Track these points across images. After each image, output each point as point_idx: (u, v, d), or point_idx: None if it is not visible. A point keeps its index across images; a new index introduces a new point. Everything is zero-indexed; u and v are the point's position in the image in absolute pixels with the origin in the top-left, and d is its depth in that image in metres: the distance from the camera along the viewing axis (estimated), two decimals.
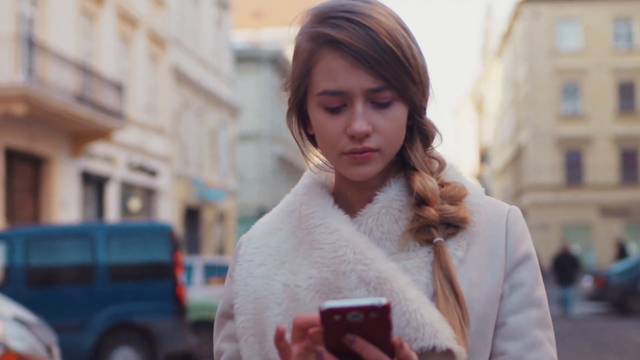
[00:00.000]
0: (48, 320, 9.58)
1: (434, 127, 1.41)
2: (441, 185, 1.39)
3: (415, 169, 1.38)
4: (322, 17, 1.34)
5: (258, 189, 44.06)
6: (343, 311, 1.13)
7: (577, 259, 23.68)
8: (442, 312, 1.29)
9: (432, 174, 1.39)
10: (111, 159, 25.10)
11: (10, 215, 19.47)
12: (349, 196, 1.41)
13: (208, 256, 28.93)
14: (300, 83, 1.36)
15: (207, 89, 35.04)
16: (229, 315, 1.45)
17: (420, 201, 1.35)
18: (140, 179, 27.63)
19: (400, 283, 1.30)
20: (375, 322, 1.13)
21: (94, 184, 24.52)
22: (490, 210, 1.39)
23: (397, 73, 1.31)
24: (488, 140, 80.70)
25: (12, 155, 19.85)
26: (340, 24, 1.31)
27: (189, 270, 16.95)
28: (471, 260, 1.35)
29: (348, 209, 1.40)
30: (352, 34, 1.30)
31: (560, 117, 50.00)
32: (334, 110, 1.32)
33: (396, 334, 1.22)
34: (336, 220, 1.36)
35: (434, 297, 1.31)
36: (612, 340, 16.48)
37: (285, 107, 1.44)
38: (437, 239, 1.33)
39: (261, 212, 37.15)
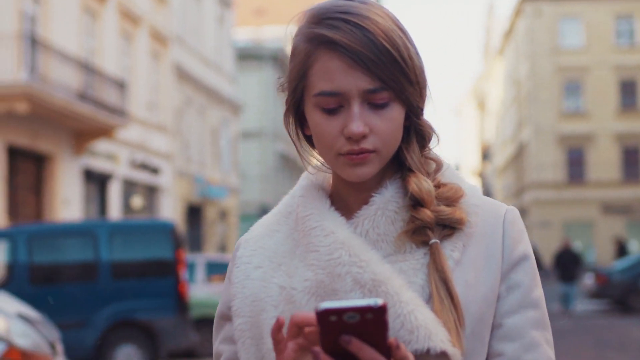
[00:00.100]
0: (51, 318, 9.62)
1: (431, 128, 1.40)
2: (438, 186, 1.38)
3: (411, 170, 1.37)
4: (319, 18, 1.33)
5: (260, 187, 44.08)
6: (339, 312, 1.12)
7: (579, 255, 23.71)
8: (438, 314, 1.29)
9: (428, 175, 1.39)
10: (113, 157, 25.14)
11: (12, 213, 19.51)
12: (346, 197, 1.40)
13: (210, 254, 28.96)
14: (297, 84, 1.36)
15: (209, 86, 35.06)
16: (227, 317, 1.45)
17: (416, 202, 1.35)
18: (143, 176, 27.66)
19: (395, 285, 1.29)
20: (372, 323, 1.13)
21: (97, 181, 24.56)
22: (487, 211, 1.39)
23: (394, 74, 1.30)
24: (490, 138, 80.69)
25: (15, 153, 19.88)
26: (337, 24, 1.31)
27: (191, 267, 16.98)
28: (468, 261, 1.34)
29: (345, 211, 1.39)
30: (348, 34, 1.29)
31: (562, 115, 49.99)
32: (331, 111, 1.32)
33: (391, 337, 1.21)
34: (332, 222, 1.36)
35: (429, 299, 1.30)
36: (613, 337, 16.50)
37: None
38: (432, 241, 1.33)
39: (263, 210, 37.10)
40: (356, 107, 1.30)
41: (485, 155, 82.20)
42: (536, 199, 50.16)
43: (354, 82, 1.29)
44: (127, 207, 26.63)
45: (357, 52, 1.29)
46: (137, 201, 27.45)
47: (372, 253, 1.32)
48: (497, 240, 1.36)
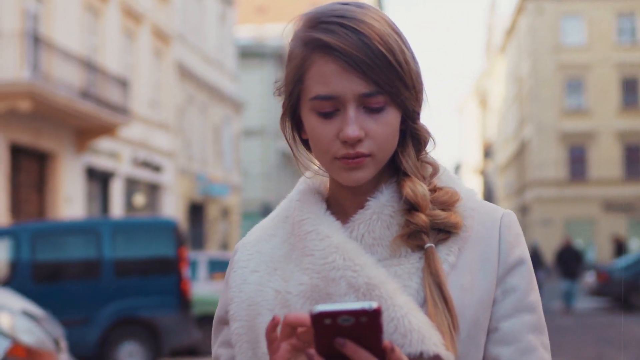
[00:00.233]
0: (54, 315, 9.67)
1: (427, 132, 1.40)
2: (433, 190, 1.37)
3: (407, 174, 1.37)
4: (315, 22, 1.33)
5: (262, 185, 44.12)
6: (334, 315, 1.12)
7: (580, 253, 23.76)
8: (432, 317, 1.28)
9: (424, 179, 1.38)
10: (116, 155, 25.19)
11: (15, 210, 19.56)
12: (342, 202, 1.40)
13: (212, 251, 29.01)
14: (294, 88, 1.36)
15: (211, 84, 35.09)
16: (225, 321, 1.45)
17: (411, 207, 1.34)
18: (145, 174, 27.70)
19: (389, 289, 1.29)
20: (366, 326, 1.13)
21: (99, 179, 24.61)
22: (483, 215, 1.38)
23: (390, 78, 1.30)
24: (492, 136, 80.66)
25: (18, 151, 19.93)
26: (333, 28, 1.30)
27: (193, 265, 17.03)
28: (463, 265, 1.34)
29: (341, 215, 1.39)
30: (344, 38, 1.29)
31: (564, 113, 49.98)
32: (326, 115, 1.32)
33: (385, 340, 1.20)
34: (327, 226, 1.36)
35: (424, 303, 1.30)
36: (614, 335, 16.51)
37: None
38: (427, 245, 1.33)
39: (265, 208, 37.03)
40: (352, 111, 1.30)
41: (487, 153, 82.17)
42: (538, 197, 50.17)
43: (350, 86, 1.29)
44: (129, 205, 26.67)
45: (352, 56, 1.29)
46: (139, 199, 27.50)
47: (366, 257, 1.33)
48: (493, 244, 1.36)
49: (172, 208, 29.39)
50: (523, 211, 55.17)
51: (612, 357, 13.31)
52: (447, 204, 1.36)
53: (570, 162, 49.79)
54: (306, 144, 1.42)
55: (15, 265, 12.30)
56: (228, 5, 38.69)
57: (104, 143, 23.99)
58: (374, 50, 1.29)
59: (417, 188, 1.34)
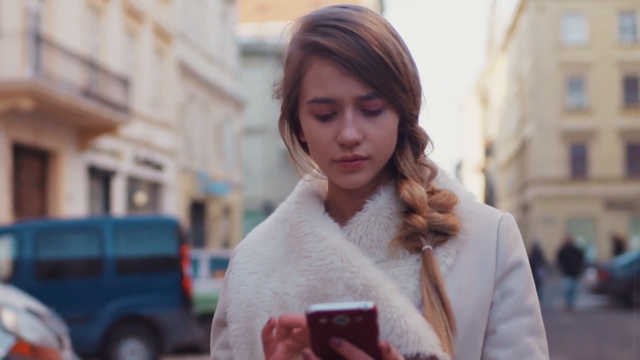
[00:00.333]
0: (56, 313, 9.70)
1: (425, 135, 1.40)
2: (432, 192, 1.38)
3: (404, 177, 1.37)
4: (312, 25, 1.33)
5: (263, 183, 44.16)
6: (329, 315, 1.12)
7: (582, 251, 23.78)
8: (429, 319, 1.29)
9: (422, 181, 1.39)
10: (117, 153, 25.23)
11: (17, 209, 19.61)
12: (341, 204, 1.41)
13: (214, 249, 29.05)
14: (292, 91, 1.37)
15: (212, 83, 35.12)
16: (223, 323, 1.46)
17: (409, 209, 1.35)
18: (146, 172, 27.75)
19: (386, 290, 1.29)
20: (362, 326, 1.13)
21: (101, 178, 24.66)
22: (482, 218, 1.38)
23: (387, 81, 1.30)
24: (493, 134, 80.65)
25: (20, 150, 19.97)
26: (330, 32, 1.31)
27: (194, 263, 17.06)
28: (461, 267, 1.34)
29: (339, 217, 1.40)
30: (341, 42, 1.29)
31: (565, 111, 49.98)
32: (324, 118, 1.32)
33: (381, 340, 1.20)
34: (325, 228, 1.36)
35: (421, 305, 1.30)
36: (615, 332, 16.54)
37: None
38: (425, 247, 1.33)
39: (266, 206, 37.03)
40: (349, 114, 1.30)
41: (488, 151, 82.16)
42: (539, 195, 50.18)
43: (347, 88, 1.30)
44: (131, 204, 26.72)
45: (349, 59, 1.29)
46: (140, 197, 27.54)
47: (364, 259, 1.33)
48: (491, 246, 1.36)
49: (174, 206, 29.43)
50: (524, 209, 55.19)
51: (613, 355, 13.34)
52: (445, 207, 1.36)
53: (571, 160, 49.79)
54: (305, 146, 1.42)
55: (17, 263, 12.34)
56: (229, 3, 38.71)
57: (105, 141, 24.03)
58: (372, 53, 1.29)
59: (415, 190, 1.35)
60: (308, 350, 1.15)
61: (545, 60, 50.21)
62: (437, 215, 1.34)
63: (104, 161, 24.35)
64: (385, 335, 1.27)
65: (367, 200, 1.37)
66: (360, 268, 1.31)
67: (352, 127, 1.30)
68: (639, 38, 50.06)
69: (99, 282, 12.40)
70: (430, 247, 1.33)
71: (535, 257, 24.69)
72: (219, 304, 1.48)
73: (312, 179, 1.46)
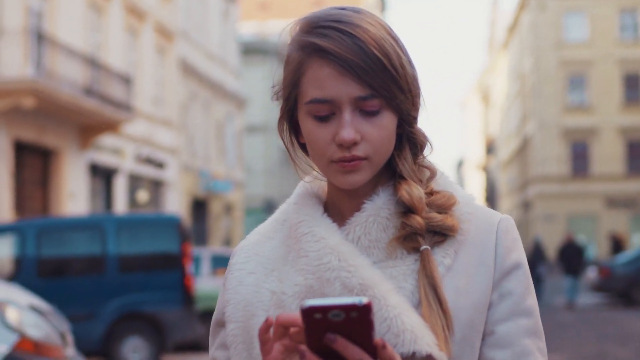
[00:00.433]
0: (59, 311, 9.74)
1: (424, 136, 1.40)
2: (430, 193, 1.38)
3: (403, 178, 1.38)
4: (311, 27, 1.34)
5: (265, 181, 44.19)
6: (324, 310, 1.11)
7: (583, 249, 23.81)
8: (426, 318, 1.28)
9: (421, 182, 1.39)
10: (119, 151, 25.27)
11: (19, 207, 19.66)
12: (340, 205, 1.41)
13: (215, 247, 29.09)
14: (290, 92, 1.38)
15: (214, 81, 35.15)
16: (222, 323, 1.46)
17: (407, 209, 1.35)
18: (148, 171, 27.79)
19: (383, 290, 1.29)
20: (357, 321, 1.12)
21: (102, 175, 24.70)
22: (480, 219, 1.38)
23: (385, 81, 1.31)
24: (494, 132, 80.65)
25: (22, 148, 20.02)
26: (328, 33, 1.31)
27: (196, 261, 17.09)
28: (459, 268, 1.34)
29: (338, 218, 1.40)
30: (339, 43, 1.30)
31: (566, 109, 49.99)
32: (322, 119, 1.33)
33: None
34: (323, 228, 1.37)
35: (418, 305, 1.30)
36: (616, 330, 16.57)
37: None
38: (423, 247, 1.33)
39: (268, 204, 36.98)
40: (347, 114, 1.31)
41: (490, 149, 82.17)
42: (540, 193, 50.20)
43: (345, 89, 1.30)
44: (132, 202, 26.76)
45: (347, 60, 1.29)
46: (142, 195, 27.58)
47: (361, 258, 1.33)
48: (489, 248, 1.36)
49: (175, 204, 29.47)
50: (525, 207, 55.22)
51: (614, 352, 13.37)
52: (444, 207, 1.36)
53: (572, 158, 49.81)
54: (304, 147, 1.43)
55: (20, 261, 12.37)
56: (231, 2, 38.74)
57: (107, 140, 24.08)
58: (369, 54, 1.30)
59: (413, 191, 1.35)
60: (303, 347, 1.15)
61: (546, 58, 50.23)
62: (435, 215, 1.35)
63: (105, 159, 24.39)
64: (382, 334, 1.27)
65: (365, 201, 1.38)
66: (357, 268, 1.31)
67: (349, 127, 1.30)
68: None
69: (101, 280, 12.43)
70: (428, 247, 1.33)
71: (537, 255, 24.72)
72: (217, 305, 1.48)
73: (312, 180, 1.46)
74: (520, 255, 1.38)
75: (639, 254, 23.87)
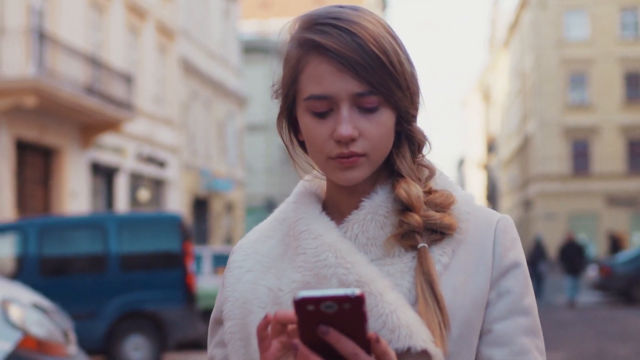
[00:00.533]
0: (61, 309, 9.77)
1: (423, 135, 1.40)
2: (429, 192, 1.38)
3: (401, 176, 1.38)
4: (310, 24, 1.35)
5: (266, 180, 44.22)
6: (316, 301, 1.11)
7: (583, 247, 23.83)
8: (422, 315, 1.29)
9: (420, 181, 1.39)
10: (120, 150, 25.31)
11: (21, 205, 19.69)
12: (338, 202, 1.42)
13: (216, 246, 29.13)
14: (289, 89, 1.38)
15: (215, 79, 35.18)
16: (220, 321, 1.46)
17: (405, 207, 1.35)
18: (149, 169, 27.82)
19: (379, 286, 1.30)
20: (350, 313, 1.11)
21: (104, 174, 24.73)
22: (479, 219, 1.38)
23: (383, 78, 1.31)
24: (495, 130, 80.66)
25: (23, 147, 20.05)
26: (327, 30, 1.32)
27: (197, 260, 17.13)
28: (457, 266, 1.34)
29: (337, 215, 1.41)
30: (338, 39, 1.31)
31: (567, 107, 50.00)
32: (321, 115, 1.33)
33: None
34: (321, 226, 1.37)
35: (415, 302, 1.30)
36: (616, 328, 16.60)
37: None
38: (420, 245, 1.33)
39: (269, 202, 37.04)
40: (345, 111, 1.31)
41: (491, 147, 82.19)
42: (541, 192, 50.22)
43: (343, 85, 1.31)
44: (133, 200, 26.79)
45: (345, 57, 1.30)
46: (143, 194, 27.61)
47: (358, 255, 1.33)
48: (488, 247, 1.36)
49: (177, 203, 29.51)
50: (526, 206, 55.24)
51: (614, 351, 13.40)
52: (442, 206, 1.37)
53: (573, 156, 49.83)
54: (303, 145, 1.44)
55: (22, 260, 12.41)
56: (232, 0, 38.76)
57: (108, 138, 24.11)
58: (368, 51, 1.31)
59: (411, 189, 1.35)
60: (297, 341, 1.15)
61: (547, 57, 50.24)
62: (433, 213, 1.35)
63: (107, 158, 24.42)
64: (377, 330, 1.27)
65: (363, 199, 1.38)
66: (354, 264, 1.32)
67: (347, 123, 1.31)
68: None
69: (103, 279, 12.46)
70: (426, 245, 1.33)
71: (538, 253, 24.74)
72: (216, 303, 1.49)
73: (312, 179, 1.47)
74: (518, 254, 1.38)
75: (639, 253, 23.90)
